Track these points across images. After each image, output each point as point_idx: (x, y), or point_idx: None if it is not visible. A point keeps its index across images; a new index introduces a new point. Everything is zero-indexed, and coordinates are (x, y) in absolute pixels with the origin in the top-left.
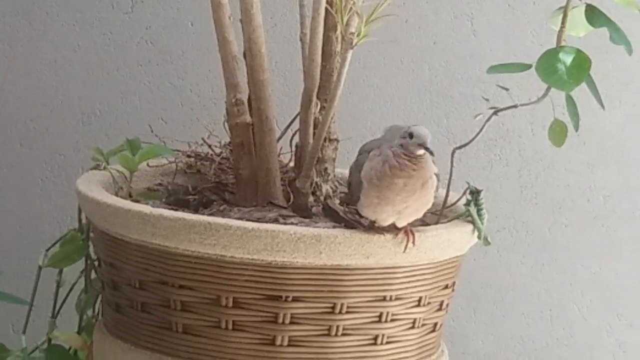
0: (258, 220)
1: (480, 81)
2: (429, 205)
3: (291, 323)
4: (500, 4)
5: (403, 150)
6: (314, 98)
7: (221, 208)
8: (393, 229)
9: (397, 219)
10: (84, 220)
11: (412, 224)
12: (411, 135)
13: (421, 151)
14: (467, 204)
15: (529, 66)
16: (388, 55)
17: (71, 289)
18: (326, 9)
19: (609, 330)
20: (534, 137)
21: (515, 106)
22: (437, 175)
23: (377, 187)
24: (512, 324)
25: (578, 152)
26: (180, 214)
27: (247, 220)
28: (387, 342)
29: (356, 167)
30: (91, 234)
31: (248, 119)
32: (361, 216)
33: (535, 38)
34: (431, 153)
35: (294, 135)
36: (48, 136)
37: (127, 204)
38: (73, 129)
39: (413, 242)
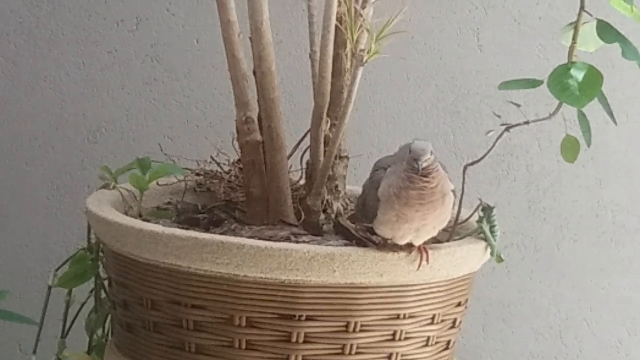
0: (270, 238)
1: (486, 96)
2: (445, 223)
3: (305, 342)
4: (506, 18)
5: (409, 165)
6: (325, 115)
7: (232, 227)
8: (406, 247)
9: (414, 237)
10: (93, 240)
11: (424, 242)
12: (410, 151)
13: (424, 163)
14: (480, 220)
15: (540, 82)
16: (394, 71)
17: (80, 309)
18: (336, 26)
19: (618, 346)
20: (541, 153)
21: (527, 122)
22: (453, 192)
23: (395, 205)
24: (521, 340)
25: (586, 168)
26: (192, 234)
27: (259, 238)
28: None
29: (371, 184)
30: (101, 254)
31: (258, 137)
32: (372, 234)
33: (541, 53)
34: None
35: (304, 153)
36: (53, 155)
37: (139, 224)
38: (78, 148)
39: (427, 260)
